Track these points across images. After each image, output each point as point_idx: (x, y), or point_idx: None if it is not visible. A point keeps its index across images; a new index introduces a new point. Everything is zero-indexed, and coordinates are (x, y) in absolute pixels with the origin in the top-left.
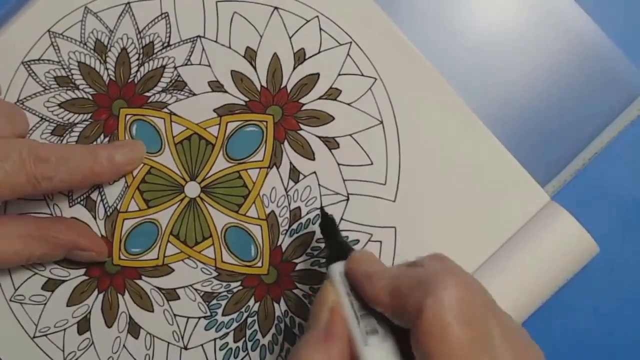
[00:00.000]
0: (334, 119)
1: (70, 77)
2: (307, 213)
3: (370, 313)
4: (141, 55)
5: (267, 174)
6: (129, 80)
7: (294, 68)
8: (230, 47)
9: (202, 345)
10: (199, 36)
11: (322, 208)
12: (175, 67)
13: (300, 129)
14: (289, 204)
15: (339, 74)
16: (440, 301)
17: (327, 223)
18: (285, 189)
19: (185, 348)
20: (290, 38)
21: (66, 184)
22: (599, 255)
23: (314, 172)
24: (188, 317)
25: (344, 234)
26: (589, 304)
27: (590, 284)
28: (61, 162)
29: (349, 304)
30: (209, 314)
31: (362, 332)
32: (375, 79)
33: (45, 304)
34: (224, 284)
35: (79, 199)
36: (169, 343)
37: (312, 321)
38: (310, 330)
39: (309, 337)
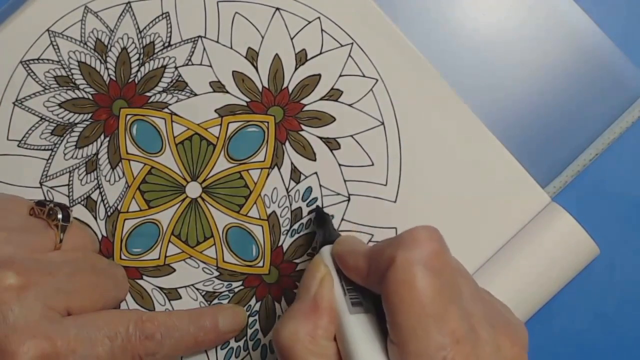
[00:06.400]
0: (335, 119)
1: (71, 76)
2: (308, 214)
3: (356, 289)
4: (142, 55)
5: (268, 174)
6: (130, 80)
7: (296, 69)
8: (231, 48)
9: None
10: (200, 36)
11: (318, 206)
12: (176, 67)
13: (302, 130)
14: (290, 205)
15: (340, 75)
16: (411, 252)
17: (322, 216)
18: (287, 190)
19: None
20: (291, 39)
21: (169, 357)
22: (599, 256)
23: (315, 173)
24: None
25: (343, 234)
26: (589, 305)
27: (590, 284)
28: (166, 337)
29: (337, 277)
30: None
31: (348, 303)
32: (377, 80)
33: None
34: (226, 283)
35: (79, 199)
36: None
37: (301, 292)
38: (298, 301)
39: (297, 309)
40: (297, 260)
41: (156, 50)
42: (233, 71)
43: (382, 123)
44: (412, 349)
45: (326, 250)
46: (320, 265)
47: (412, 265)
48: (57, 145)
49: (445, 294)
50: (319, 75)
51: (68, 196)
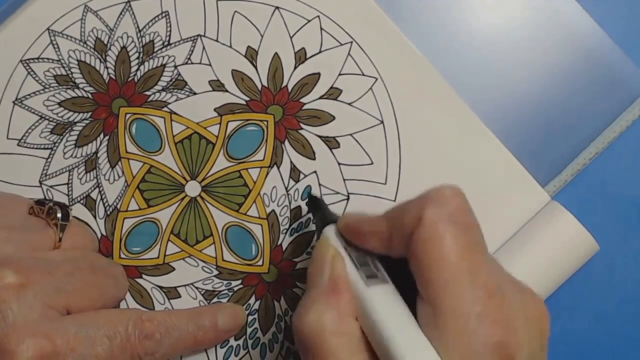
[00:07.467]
0: (334, 118)
1: (70, 75)
2: (307, 212)
3: (368, 262)
4: (141, 54)
5: (267, 173)
6: (129, 79)
7: (295, 67)
8: (231, 47)
9: None
10: (199, 35)
11: (309, 192)
12: (175, 66)
13: (301, 129)
14: (290, 203)
15: (340, 74)
16: (439, 209)
17: (315, 201)
18: (286, 188)
19: None
20: (291, 38)
21: (167, 356)
22: (599, 255)
23: (315, 172)
24: None
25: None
26: (589, 304)
27: (590, 283)
28: (165, 337)
29: (347, 255)
30: None
31: (363, 277)
32: (376, 79)
33: None
34: (225, 282)
35: (79, 198)
36: None
37: (314, 278)
38: (314, 288)
39: (315, 295)
40: (296, 259)
41: (156, 49)
42: (232, 70)
43: (382, 122)
44: (447, 305)
45: (329, 230)
46: (328, 246)
47: (442, 222)
48: (56, 144)
49: (474, 249)
50: (319, 74)
51: (67, 195)
